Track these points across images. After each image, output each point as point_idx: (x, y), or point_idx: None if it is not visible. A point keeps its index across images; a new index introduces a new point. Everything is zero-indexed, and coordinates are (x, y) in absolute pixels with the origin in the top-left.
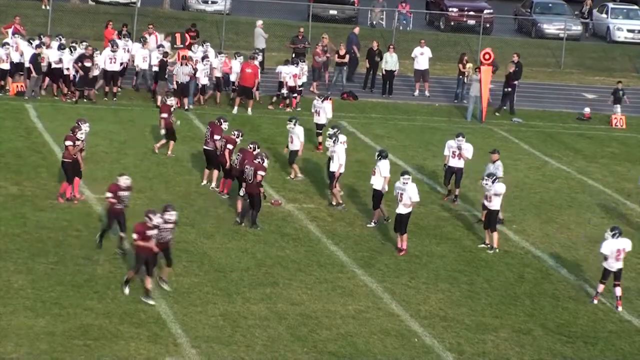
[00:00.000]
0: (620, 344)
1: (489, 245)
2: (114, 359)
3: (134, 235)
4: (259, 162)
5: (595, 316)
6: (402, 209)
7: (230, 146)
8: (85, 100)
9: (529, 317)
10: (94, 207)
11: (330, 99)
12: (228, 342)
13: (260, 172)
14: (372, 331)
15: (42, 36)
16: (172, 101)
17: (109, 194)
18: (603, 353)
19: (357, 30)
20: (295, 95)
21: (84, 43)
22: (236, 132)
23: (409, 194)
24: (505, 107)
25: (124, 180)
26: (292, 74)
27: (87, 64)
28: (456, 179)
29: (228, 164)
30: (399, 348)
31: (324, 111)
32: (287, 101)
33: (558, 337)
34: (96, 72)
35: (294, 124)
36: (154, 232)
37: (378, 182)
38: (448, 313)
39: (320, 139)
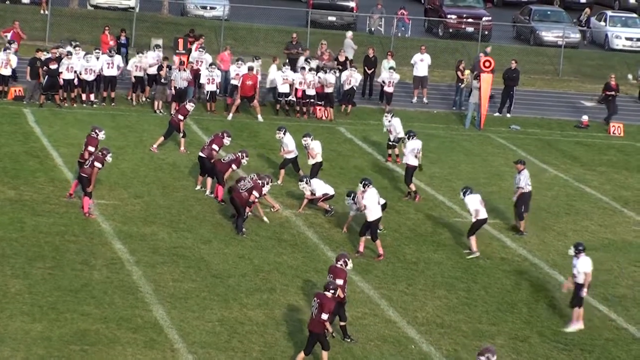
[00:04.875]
0: (617, 352)
1: (473, 251)
2: None
3: None
4: (260, 183)
5: (591, 324)
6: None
7: (234, 166)
8: (49, 102)
9: (525, 324)
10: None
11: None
12: (225, 348)
13: (255, 193)
14: (369, 338)
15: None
16: (191, 106)
17: None
18: None
19: (489, 49)
20: (318, 102)
21: (53, 48)
22: (241, 153)
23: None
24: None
25: None
26: (302, 80)
27: (53, 66)
28: (406, 176)
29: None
30: (396, 355)
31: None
32: (296, 108)
33: (555, 344)
34: (92, 77)
35: (284, 133)
36: None
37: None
38: (445, 320)
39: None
